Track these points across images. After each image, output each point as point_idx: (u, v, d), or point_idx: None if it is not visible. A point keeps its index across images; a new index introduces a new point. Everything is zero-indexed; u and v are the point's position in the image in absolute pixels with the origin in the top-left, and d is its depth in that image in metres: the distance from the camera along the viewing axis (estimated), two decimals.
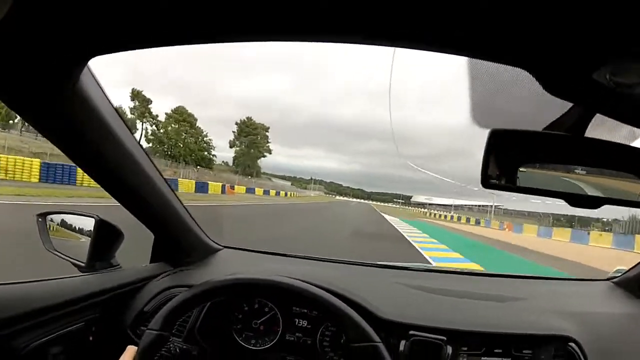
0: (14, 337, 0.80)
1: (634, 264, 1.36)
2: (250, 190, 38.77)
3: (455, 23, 0.50)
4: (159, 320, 0.77)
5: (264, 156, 65.83)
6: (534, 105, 0.68)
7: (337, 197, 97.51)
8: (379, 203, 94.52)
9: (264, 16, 0.53)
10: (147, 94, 50.46)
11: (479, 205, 68.84)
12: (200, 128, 54.40)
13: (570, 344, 0.99)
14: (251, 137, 64.32)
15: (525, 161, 0.68)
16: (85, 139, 0.80)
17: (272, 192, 46.01)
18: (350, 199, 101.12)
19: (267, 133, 66.67)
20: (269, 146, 66.51)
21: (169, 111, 51.84)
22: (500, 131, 0.63)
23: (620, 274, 1.41)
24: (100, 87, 0.76)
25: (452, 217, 50.54)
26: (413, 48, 0.56)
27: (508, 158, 0.65)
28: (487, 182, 0.62)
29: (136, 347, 0.74)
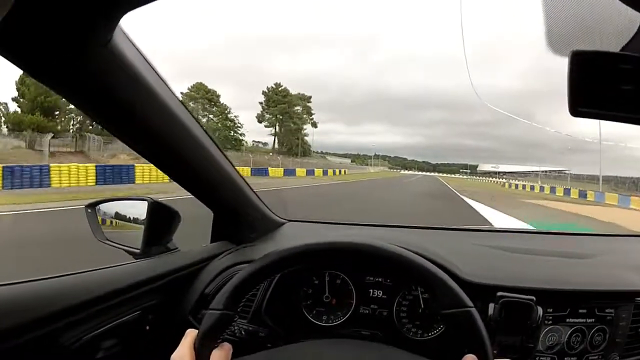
0: (64, 330, 0.75)
1: None
2: (289, 172, 33.47)
3: None
4: (222, 298, 0.68)
5: (302, 130, 55.46)
6: (616, 23, 0.63)
7: (402, 172, 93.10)
8: (445, 175, 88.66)
9: None
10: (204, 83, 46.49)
11: (548, 171, 65.47)
12: (225, 105, 46.85)
13: None
14: (281, 106, 53.09)
15: (611, 85, 0.63)
16: (127, 108, 0.72)
17: (318, 172, 38.76)
18: (416, 172, 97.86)
19: (308, 104, 56.16)
20: (312, 119, 56.35)
21: (185, 90, 44.33)
22: (583, 52, 0.58)
23: None
24: (136, 47, 0.69)
25: (532, 187, 40.21)
26: None
27: (593, 82, 0.60)
28: (575, 109, 0.58)
29: (197, 331, 0.66)
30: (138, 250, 1.04)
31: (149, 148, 0.85)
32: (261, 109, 54.47)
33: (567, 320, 0.91)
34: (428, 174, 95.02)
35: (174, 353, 0.63)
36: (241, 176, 1.09)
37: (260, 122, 54.30)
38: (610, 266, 1.09)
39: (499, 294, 0.88)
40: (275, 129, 54.93)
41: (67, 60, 0.59)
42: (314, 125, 57.44)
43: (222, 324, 0.66)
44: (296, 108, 55.57)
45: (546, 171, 65.10)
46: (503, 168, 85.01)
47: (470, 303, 0.68)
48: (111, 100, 0.69)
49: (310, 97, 57.23)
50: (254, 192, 1.17)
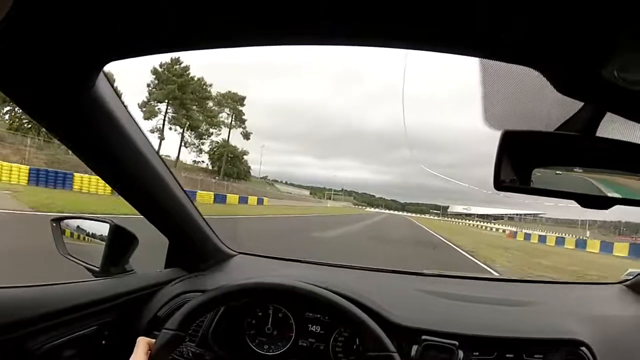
0: (29, 338, 0.81)
1: None
2: (220, 199, 27.25)
3: (466, 23, 0.52)
4: (176, 320, 0.77)
5: (215, 134, 40.96)
6: (546, 105, 0.68)
7: (368, 209, 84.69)
8: (415, 215, 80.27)
9: (279, 20, 0.54)
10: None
11: (523, 215, 63.60)
12: None
13: (582, 348, 0.98)
14: (170, 87, 35.86)
15: (538, 162, 0.68)
16: (101, 144, 0.82)
17: (252, 200, 32.16)
18: (383, 210, 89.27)
19: (239, 107, 41.56)
20: (244, 126, 41.79)
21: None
22: (513, 132, 0.64)
23: (632, 277, 1.40)
24: (117, 93, 0.78)
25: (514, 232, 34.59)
26: (427, 50, 0.58)
27: (521, 159, 0.65)
28: (499, 184, 0.63)
29: (146, 338, 0.75)
30: (97, 269, 1.08)
31: (116, 178, 0.94)
32: (147, 95, 36.02)
33: None
34: (396, 212, 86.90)
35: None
36: (197, 209, 1.16)
37: (142, 111, 35.80)
38: (543, 313, 1.14)
39: (423, 337, 0.95)
40: (183, 130, 39.05)
41: (53, 98, 0.67)
42: (246, 137, 43.01)
43: (174, 343, 0.75)
44: (209, 103, 40.65)
45: (520, 214, 64.19)
46: (475, 210, 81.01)
47: (392, 348, 0.75)
48: (88, 136, 0.79)
49: (244, 99, 42.12)
50: (207, 224, 1.23)
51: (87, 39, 0.57)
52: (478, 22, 0.51)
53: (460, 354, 0.93)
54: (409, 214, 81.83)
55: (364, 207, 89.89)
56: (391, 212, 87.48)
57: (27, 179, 16.96)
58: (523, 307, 1.17)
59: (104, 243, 1.07)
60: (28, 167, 18.12)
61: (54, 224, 1.15)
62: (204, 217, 1.20)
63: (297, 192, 69.98)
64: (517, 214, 64.94)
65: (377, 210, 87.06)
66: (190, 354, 1.01)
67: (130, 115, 0.84)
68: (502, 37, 0.53)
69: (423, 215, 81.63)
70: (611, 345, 1.03)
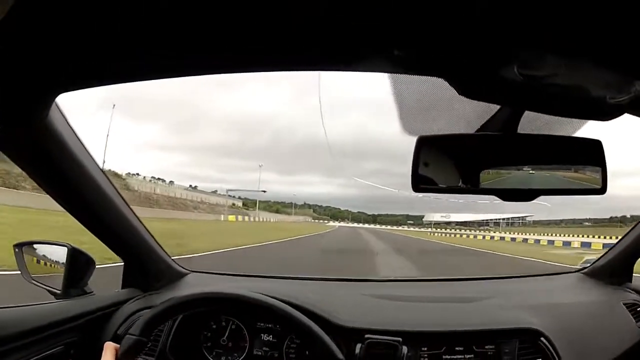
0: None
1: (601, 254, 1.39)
2: None
3: (368, 42, 0.55)
4: (138, 326, 0.81)
5: None
6: (464, 109, 0.71)
7: (330, 223, 69.67)
8: (389, 227, 68.49)
9: (231, 49, 0.58)
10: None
11: (509, 218, 58.56)
12: None
13: (541, 338, 1.01)
14: None
15: (458, 163, 0.72)
16: (54, 171, 0.86)
17: None
18: (350, 224, 74.79)
19: None
20: None
21: None
22: (428, 137, 0.67)
23: (589, 264, 1.43)
24: (68, 123, 0.82)
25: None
26: (337, 70, 0.61)
27: (438, 162, 0.68)
28: (417, 186, 0.66)
29: (113, 343, 0.80)
30: (59, 292, 1.10)
31: (70, 203, 0.97)
32: None
33: (444, 357, 1.00)
34: (367, 226, 72.61)
35: None
36: (148, 231, 1.20)
37: None
38: (495, 307, 1.17)
39: (367, 336, 0.99)
40: None
41: (7, 128, 0.70)
42: None
43: (137, 348, 0.80)
44: None
45: (507, 219, 58.92)
46: (455, 217, 70.69)
47: (340, 355, 0.77)
48: (42, 163, 0.83)
49: None
50: (159, 244, 1.27)
51: (35, 71, 0.59)
52: (379, 40, 0.54)
53: (405, 349, 0.96)
54: (382, 227, 70.66)
55: (325, 222, 74.20)
56: (360, 225, 73.16)
57: None
58: (474, 302, 1.20)
59: (62, 267, 1.09)
60: None
61: (17, 250, 1.17)
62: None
63: (217, 202, 48.60)
64: (503, 218, 59.83)
65: (341, 224, 70.01)
66: None
67: (82, 144, 0.88)
68: (403, 52, 0.56)
69: (400, 227, 68.96)
70: (571, 333, 1.06)
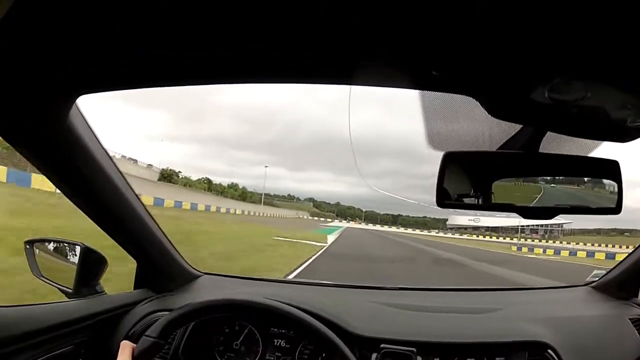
0: (9, 357, 0.83)
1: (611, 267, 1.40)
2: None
3: (402, 61, 0.56)
4: (157, 328, 0.81)
5: None
6: (487, 127, 0.72)
7: (333, 223, 54.60)
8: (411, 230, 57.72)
9: (248, 62, 0.59)
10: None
11: (545, 225, 53.64)
12: None
13: (548, 350, 1.02)
14: None
15: (480, 180, 0.73)
16: (73, 171, 0.86)
17: None
18: (361, 225, 61.34)
19: None
20: None
21: None
22: (454, 153, 0.68)
23: (598, 278, 1.45)
24: (88, 125, 0.82)
25: None
26: (367, 85, 0.62)
27: (463, 178, 0.70)
28: (442, 202, 0.67)
29: (130, 342, 0.79)
30: (70, 290, 1.09)
31: (87, 204, 0.98)
32: None
33: None
34: (387, 228, 57.47)
35: None
36: (163, 232, 1.20)
37: None
38: (505, 319, 1.18)
39: (382, 345, 1.00)
40: None
41: (27, 128, 0.71)
42: None
43: (154, 350, 0.79)
44: None
45: (545, 225, 52.84)
46: (486, 222, 64.05)
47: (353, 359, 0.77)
48: (60, 165, 0.84)
49: None
50: (173, 246, 1.27)
51: (57, 72, 0.60)
52: (417, 59, 0.55)
53: (419, 359, 0.97)
54: (406, 230, 58.90)
55: (328, 220, 62.24)
56: (376, 227, 59.44)
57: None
58: (485, 313, 1.21)
59: (75, 265, 1.09)
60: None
61: (27, 246, 1.16)
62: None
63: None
64: (540, 226, 54.11)
65: (349, 224, 54.92)
66: None
67: (102, 146, 0.89)
68: (440, 72, 0.57)
69: (426, 232, 58.96)
70: (577, 347, 1.07)
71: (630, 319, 1.22)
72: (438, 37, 0.50)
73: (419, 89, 0.61)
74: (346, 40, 0.52)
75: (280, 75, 0.64)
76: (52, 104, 0.68)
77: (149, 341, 0.79)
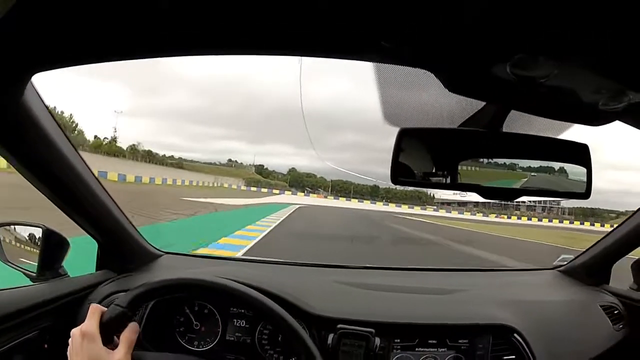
0: None
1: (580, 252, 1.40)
2: None
3: (356, 30, 0.53)
4: (126, 298, 0.79)
5: None
6: (448, 104, 0.70)
7: (271, 198, 35.51)
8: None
9: (213, 28, 0.56)
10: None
11: (543, 202, 48.60)
12: None
13: (515, 335, 1.02)
14: None
15: (442, 158, 0.71)
16: (28, 150, 0.84)
17: None
18: (326, 199, 47.89)
19: None
20: None
21: None
22: (409, 129, 0.66)
23: (566, 262, 1.45)
24: (44, 103, 0.80)
25: None
26: (321, 56, 0.60)
27: (419, 155, 0.68)
28: (396, 178, 0.65)
29: (99, 306, 0.77)
30: (34, 274, 1.08)
31: (45, 183, 0.94)
32: None
33: (417, 349, 1.01)
34: (381, 208, 42.97)
35: (82, 325, 0.74)
36: (122, 212, 1.18)
37: None
38: (469, 300, 1.18)
39: (339, 325, 0.99)
40: None
41: None
42: None
43: (122, 319, 0.77)
44: None
45: (542, 201, 47.37)
46: (473, 197, 55.58)
47: (314, 350, 0.75)
48: (17, 144, 0.81)
49: None
50: (133, 225, 1.24)
51: (9, 50, 0.57)
52: (368, 30, 0.52)
53: (377, 340, 0.96)
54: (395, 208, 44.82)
55: (274, 192, 47.93)
56: (357, 205, 42.60)
57: None
58: (448, 294, 1.20)
59: (37, 248, 1.07)
60: None
61: None
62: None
63: None
64: (538, 202, 48.07)
65: (303, 202, 34.53)
66: None
67: (57, 124, 0.86)
68: (392, 44, 0.54)
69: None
70: (545, 332, 1.07)
71: (601, 306, 1.23)
72: (386, 5, 0.47)
73: (370, 61, 0.59)
74: (297, 6, 0.49)
75: (229, 47, 0.61)
76: (5, 83, 0.65)
77: (118, 309, 0.77)
